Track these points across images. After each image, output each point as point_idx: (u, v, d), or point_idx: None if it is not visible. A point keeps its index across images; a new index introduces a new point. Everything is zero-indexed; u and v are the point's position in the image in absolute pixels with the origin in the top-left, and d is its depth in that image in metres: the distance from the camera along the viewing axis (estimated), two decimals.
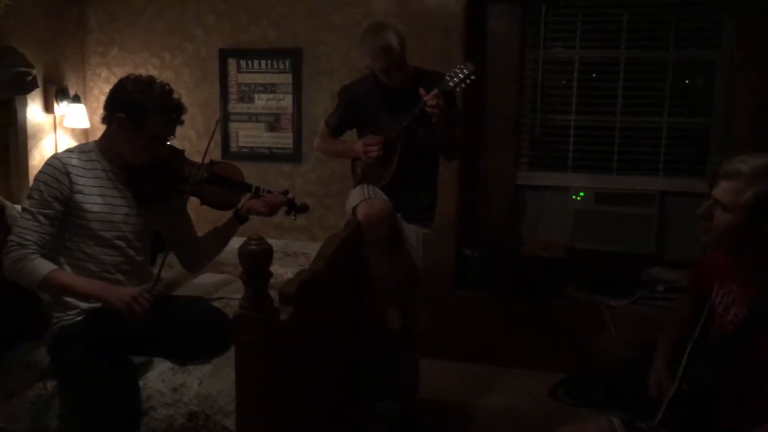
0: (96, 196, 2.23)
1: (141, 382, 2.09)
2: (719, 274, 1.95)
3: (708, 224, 1.79)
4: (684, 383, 1.91)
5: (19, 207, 2.66)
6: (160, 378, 2.11)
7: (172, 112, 2.28)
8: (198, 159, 2.52)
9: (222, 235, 2.58)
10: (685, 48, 3.91)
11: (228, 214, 2.59)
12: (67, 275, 2.15)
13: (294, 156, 4.13)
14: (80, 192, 2.20)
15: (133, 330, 2.07)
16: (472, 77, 2.71)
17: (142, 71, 4.14)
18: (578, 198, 4.02)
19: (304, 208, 2.74)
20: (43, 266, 2.09)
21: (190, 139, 4.09)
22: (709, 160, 3.93)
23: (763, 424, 1.70)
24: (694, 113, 3.96)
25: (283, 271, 2.94)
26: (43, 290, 2.15)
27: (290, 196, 2.67)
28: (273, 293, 1.87)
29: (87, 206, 2.20)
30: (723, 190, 1.73)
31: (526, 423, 3.22)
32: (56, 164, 2.20)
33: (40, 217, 2.14)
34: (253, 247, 1.76)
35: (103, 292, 2.12)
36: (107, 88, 4.15)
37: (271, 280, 1.83)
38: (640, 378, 2.17)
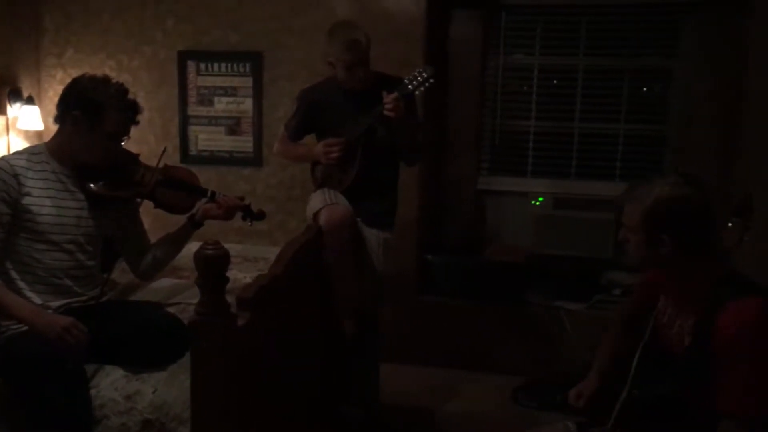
0: (45, 198, 2.17)
1: (93, 391, 2.04)
2: (663, 285, 2.00)
3: (626, 247, 1.89)
4: (635, 388, 1.94)
5: None
6: (112, 386, 2.05)
7: (128, 110, 2.26)
8: (155, 163, 2.49)
9: (175, 241, 2.52)
10: (642, 56, 3.99)
11: (182, 219, 2.55)
12: (4, 294, 2.06)
13: (255, 160, 4.09)
14: (29, 194, 2.14)
15: (67, 363, 1.97)
16: (431, 81, 2.73)
17: (99, 73, 4.10)
18: (537, 203, 4.07)
19: (260, 215, 2.72)
20: None
21: (149, 143, 4.03)
22: (664, 167, 4.00)
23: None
24: (650, 120, 4.04)
25: (242, 276, 2.89)
26: None
27: (247, 202, 2.64)
28: (231, 298, 1.84)
29: (35, 209, 2.14)
30: (625, 213, 1.86)
31: (487, 426, 3.24)
32: (4, 166, 2.14)
33: None
34: (209, 251, 1.73)
35: (34, 318, 2.03)
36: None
37: (231, 286, 1.80)
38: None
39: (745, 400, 1.68)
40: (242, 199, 2.62)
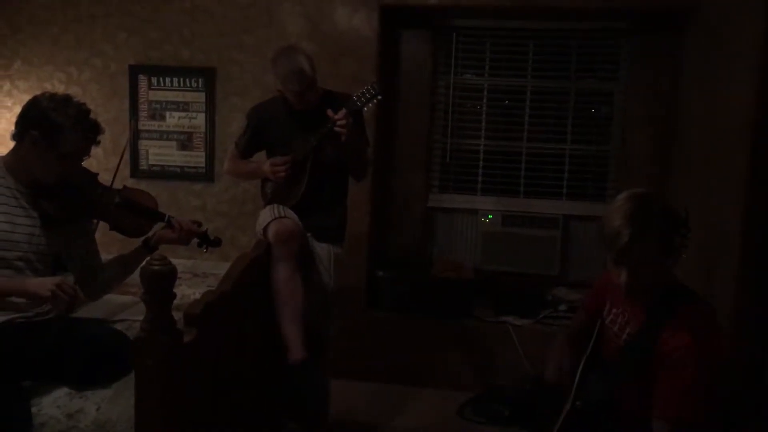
0: None
1: (34, 409, 2.00)
2: (612, 293, 2.06)
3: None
4: (578, 400, 2.01)
5: None
6: (54, 404, 2.02)
7: (88, 131, 2.24)
8: (107, 177, 2.46)
9: (128, 264, 2.51)
10: (585, 79, 4.13)
11: (137, 241, 2.53)
12: None
13: (206, 175, 4.08)
14: None
15: (52, 326, 2.04)
16: (380, 97, 2.77)
17: (48, 86, 4.05)
18: (486, 220, 4.15)
19: (216, 242, 2.71)
20: None
21: (98, 157, 3.96)
22: (608, 186, 4.13)
23: None
24: (594, 141, 4.17)
25: (191, 291, 2.89)
26: None
27: (204, 228, 2.64)
28: (179, 315, 1.84)
29: None
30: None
31: None
32: None
33: None
34: (155, 267, 1.73)
35: (23, 285, 2.09)
36: (10, 102, 3.98)
37: (179, 302, 1.80)
38: (543, 395, 2.26)
39: (683, 404, 1.75)
40: (199, 224, 2.62)
